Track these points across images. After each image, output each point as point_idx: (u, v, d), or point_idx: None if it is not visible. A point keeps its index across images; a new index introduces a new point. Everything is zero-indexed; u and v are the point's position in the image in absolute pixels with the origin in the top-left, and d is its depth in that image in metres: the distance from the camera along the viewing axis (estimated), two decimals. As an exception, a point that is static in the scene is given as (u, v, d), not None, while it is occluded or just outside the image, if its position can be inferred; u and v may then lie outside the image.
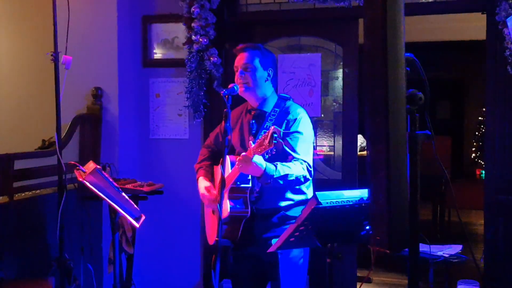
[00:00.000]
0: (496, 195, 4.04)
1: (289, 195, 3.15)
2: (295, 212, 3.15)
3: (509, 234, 3.94)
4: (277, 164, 2.97)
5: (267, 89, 3.21)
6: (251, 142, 2.87)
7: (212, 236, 3.28)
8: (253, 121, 3.21)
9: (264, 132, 3.07)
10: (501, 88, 4.02)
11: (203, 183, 3.31)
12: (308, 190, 3.21)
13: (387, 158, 1.73)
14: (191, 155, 4.71)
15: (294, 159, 3.05)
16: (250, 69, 3.16)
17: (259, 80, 3.16)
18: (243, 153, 2.84)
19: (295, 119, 3.16)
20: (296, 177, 3.01)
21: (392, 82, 1.72)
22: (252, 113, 3.23)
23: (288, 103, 3.24)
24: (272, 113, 3.19)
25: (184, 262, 4.72)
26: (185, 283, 4.78)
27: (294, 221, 3.12)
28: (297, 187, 3.13)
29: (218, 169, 3.32)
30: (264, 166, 2.89)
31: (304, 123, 3.18)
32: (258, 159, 2.85)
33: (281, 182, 2.97)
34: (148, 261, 4.85)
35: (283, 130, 3.11)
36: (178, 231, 4.79)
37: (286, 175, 2.97)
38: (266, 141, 2.66)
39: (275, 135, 2.63)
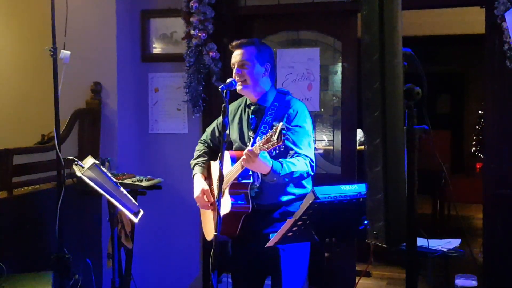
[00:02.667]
0: (495, 189, 4.04)
1: (291, 189, 3.13)
2: (296, 207, 3.12)
3: (507, 228, 3.94)
4: (282, 161, 2.94)
5: (266, 84, 3.19)
6: (258, 138, 2.82)
7: (210, 232, 3.27)
8: (253, 116, 3.19)
9: (265, 127, 3.07)
10: (500, 82, 4.01)
11: (200, 183, 3.28)
12: (308, 184, 3.19)
13: (384, 152, 1.73)
14: (190, 150, 4.66)
15: (297, 154, 3.02)
16: (247, 66, 3.13)
17: (256, 76, 3.14)
18: (248, 149, 2.78)
19: (296, 113, 3.13)
20: (300, 174, 2.99)
21: (389, 77, 1.73)
22: (252, 108, 3.22)
23: (288, 97, 3.22)
24: (271, 107, 3.17)
25: (183, 257, 4.73)
26: (185, 278, 4.79)
27: None
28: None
29: (215, 165, 3.30)
30: (271, 164, 2.85)
31: (305, 117, 3.16)
32: (264, 156, 2.82)
33: (286, 179, 2.95)
34: (148, 255, 4.86)
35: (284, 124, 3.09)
36: (177, 225, 4.80)
37: (292, 172, 2.94)
38: (274, 138, 2.58)
39: (284, 131, 2.56)
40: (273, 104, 3.18)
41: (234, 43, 3.22)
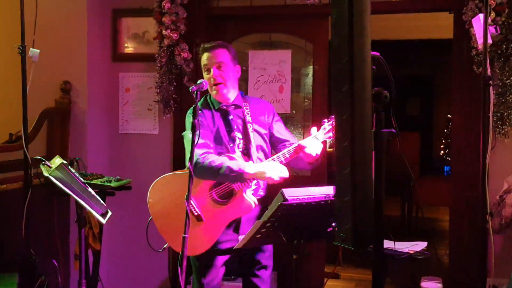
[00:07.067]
0: (462, 192, 4.10)
1: None
2: None
3: (473, 231, 4.00)
4: None
5: (236, 85, 3.22)
6: (313, 128, 3.04)
7: (200, 247, 3.20)
8: (232, 117, 3.20)
9: (250, 126, 3.17)
10: (467, 87, 4.07)
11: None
12: None
13: (352, 155, 1.74)
14: (160, 150, 4.69)
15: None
16: (224, 67, 3.13)
17: (232, 77, 3.15)
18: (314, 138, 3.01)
19: (272, 109, 3.34)
20: None
21: (358, 80, 1.74)
22: (230, 109, 3.21)
23: (244, 95, 3.32)
24: (244, 107, 3.20)
25: (151, 258, 4.69)
26: (153, 279, 4.76)
27: None
28: None
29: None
30: None
31: None
32: None
33: None
34: (116, 257, 4.81)
35: (270, 120, 3.27)
36: (146, 227, 4.75)
37: None
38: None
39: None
40: (244, 104, 3.21)
41: (207, 45, 3.19)
